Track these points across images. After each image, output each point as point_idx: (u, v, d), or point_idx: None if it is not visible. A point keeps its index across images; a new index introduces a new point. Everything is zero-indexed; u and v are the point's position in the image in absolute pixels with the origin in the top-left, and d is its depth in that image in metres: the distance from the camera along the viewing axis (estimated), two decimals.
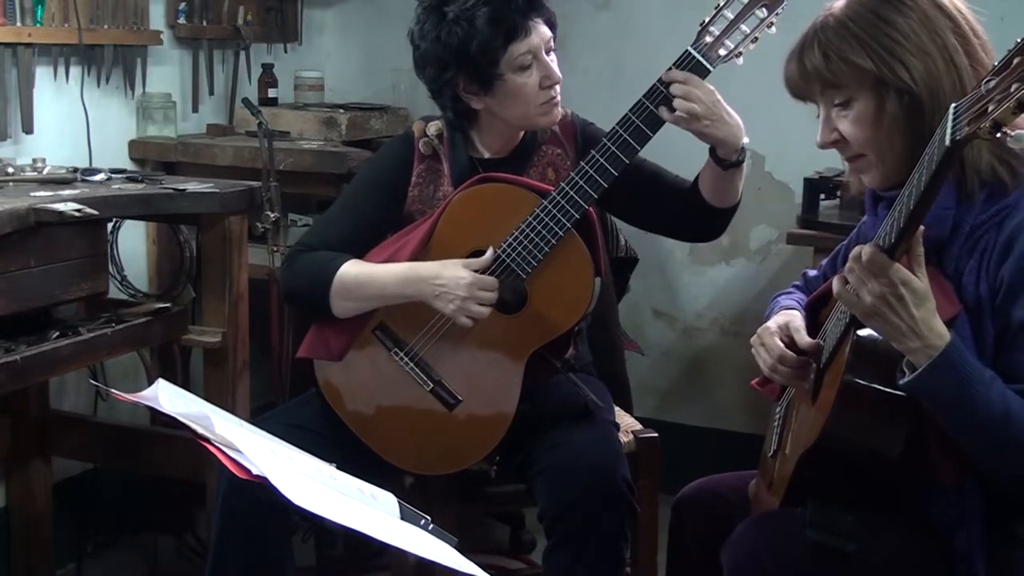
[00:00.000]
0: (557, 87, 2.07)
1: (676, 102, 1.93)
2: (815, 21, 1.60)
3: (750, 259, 3.32)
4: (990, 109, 1.18)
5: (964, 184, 1.52)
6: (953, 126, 1.27)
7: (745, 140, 1.98)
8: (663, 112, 1.95)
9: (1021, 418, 1.41)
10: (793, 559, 1.54)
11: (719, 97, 1.94)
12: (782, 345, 1.69)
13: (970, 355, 1.42)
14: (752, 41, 1.93)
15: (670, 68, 1.95)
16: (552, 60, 2.07)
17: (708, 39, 1.93)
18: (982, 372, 1.42)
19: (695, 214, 2.12)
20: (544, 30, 2.06)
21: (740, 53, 1.93)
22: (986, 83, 1.21)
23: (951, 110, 1.30)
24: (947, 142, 1.27)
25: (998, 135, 1.18)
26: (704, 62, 1.93)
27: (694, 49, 1.94)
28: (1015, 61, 1.16)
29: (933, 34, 1.53)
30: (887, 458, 1.48)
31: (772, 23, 1.91)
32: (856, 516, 1.52)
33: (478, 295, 1.96)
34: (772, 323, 1.75)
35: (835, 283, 1.49)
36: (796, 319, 1.74)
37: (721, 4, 1.92)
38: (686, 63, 1.93)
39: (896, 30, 1.53)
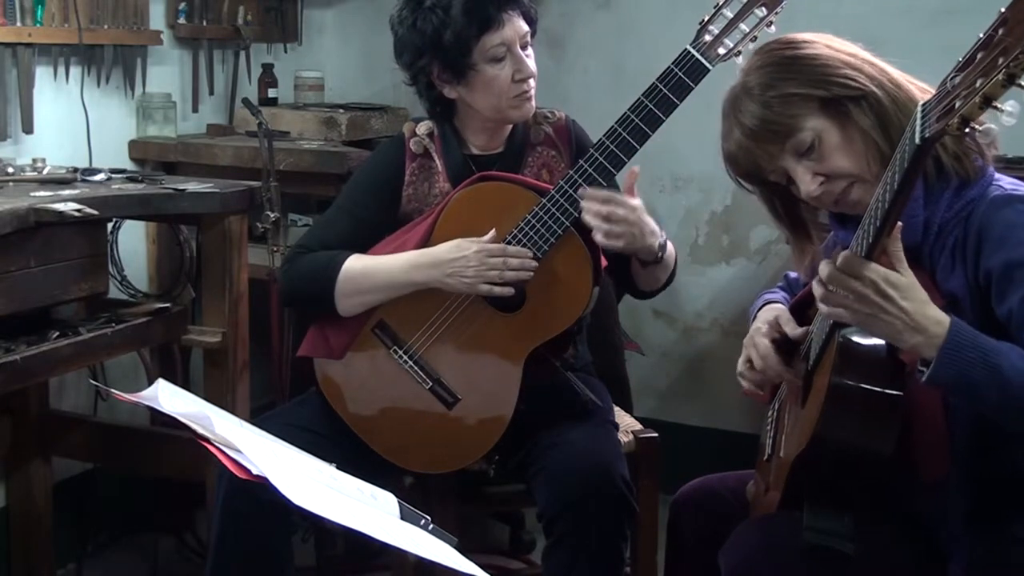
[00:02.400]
0: (531, 81, 2.07)
1: (595, 227, 1.91)
2: (730, 95, 1.62)
3: (750, 259, 3.32)
4: (957, 105, 1.17)
5: (931, 183, 1.52)
6: (922, 124, 1.27)
7: (661, 240, 1.98)
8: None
9: None
10: (790, 563, 1.53)
11: (639, 207, 1.92)
12: (769, 344, 1.71)
13: (976, 330, 1.40)
14: (751, 40, 1.92)
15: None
16: (528, 55, 2.07)
17: (707, 38, 1.93)
18: (996, 343, 1.39)
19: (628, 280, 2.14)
20: (520, 24, 2.05)
21: (739, 52, 1.93)
22: (951, 79, 1.20)
23: (919, 108, 1.29)
24: (917, 140, 1.27)
25: (967, 130, 1.18)
26: (703, 61, 1.93)
27: (693, 48, 1.93)
28: (978, 56, 1.16)
29: (842, 52, 1.58)
30: (880, 457, 1.47)
31: (771, 22, 1.91)
32: (852, 517, 1.52)
33: (488, 261, 1.97)
34: (761, 322, 1.76)
35: (818, 301, 1.47)
36: (784, 312, 1.75)
37: (720, 3, 1.92)
38: (685, 62, 1.93)
39: (813, 59, 1.57)
